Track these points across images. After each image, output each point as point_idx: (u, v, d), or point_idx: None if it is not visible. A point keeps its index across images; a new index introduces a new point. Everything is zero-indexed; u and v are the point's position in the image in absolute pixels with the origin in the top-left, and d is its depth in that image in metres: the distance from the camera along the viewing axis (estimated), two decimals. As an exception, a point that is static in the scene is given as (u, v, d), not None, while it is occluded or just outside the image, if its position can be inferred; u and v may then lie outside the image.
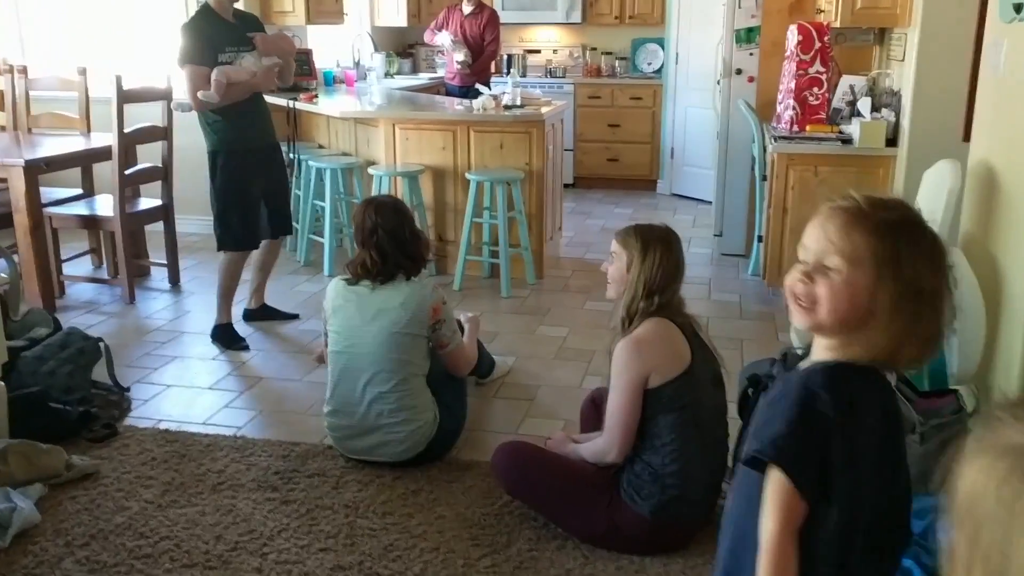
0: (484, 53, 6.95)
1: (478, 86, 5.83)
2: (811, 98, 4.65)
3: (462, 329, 3.27)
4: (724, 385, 2.57)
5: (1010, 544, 0.72)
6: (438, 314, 2.93)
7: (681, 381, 2.40)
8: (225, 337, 4.10)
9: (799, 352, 2.78)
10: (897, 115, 4.28)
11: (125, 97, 4.50)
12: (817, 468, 1.27)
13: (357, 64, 7.04)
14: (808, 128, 4.59)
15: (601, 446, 2.50)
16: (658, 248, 2.46)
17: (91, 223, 4.82)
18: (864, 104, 4.45)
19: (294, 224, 5.57)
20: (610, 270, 2.58)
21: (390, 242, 2.91)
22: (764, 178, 4.90)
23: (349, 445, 2.97)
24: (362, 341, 2.89)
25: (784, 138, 4.56)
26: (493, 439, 3.17)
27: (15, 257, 4.48)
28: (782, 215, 4.53)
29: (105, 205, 4.76)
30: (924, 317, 1.30)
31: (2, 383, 2.97)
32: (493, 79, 7.59)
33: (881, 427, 1.31)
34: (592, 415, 2.86)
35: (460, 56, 6.74)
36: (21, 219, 4.39)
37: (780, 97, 4.92)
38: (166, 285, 5.02)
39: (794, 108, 4.66)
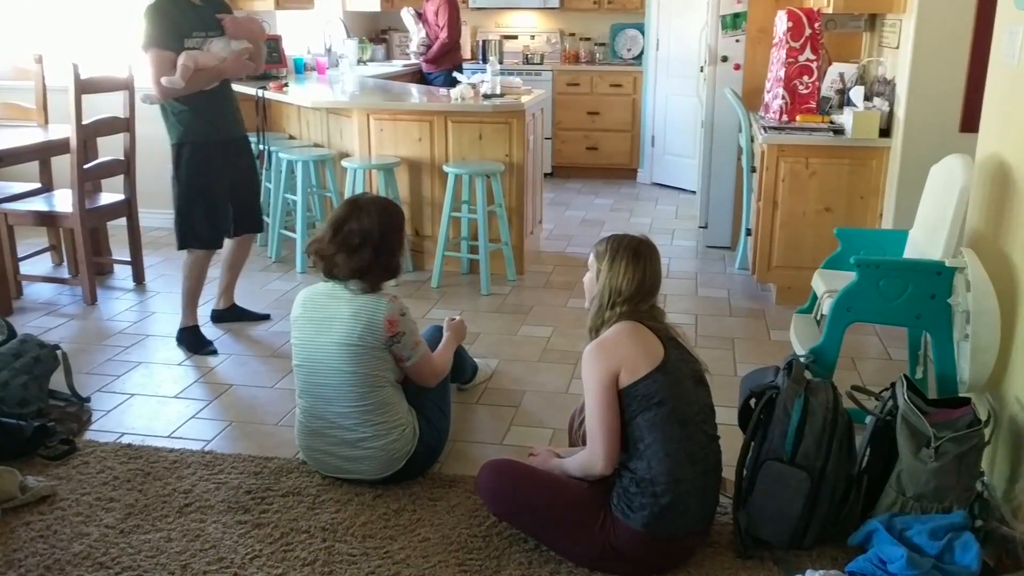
0: (437, 39, 6.83)
1: (455, 74, 5.64)
2: (801, 87, 4.50)
3: (439, 339, 3.10)
4: (707, 386, 2.43)
5: None
6: (394, 327, 2.71)
7: (655, 376, 2.27)
8: (192, 341, 3.89)
9: (803, 360, 2.66)
10: (891, 105, 4.14)
11: (83, 87, 4.26)
12: None
13: (328, 51, 6.81)
14: (798, 118, 4.45)
15: (586, 458, 2.36)
16: (625, 257, 2.36)
17: (49, 220, 4.58)
18: (856, 93, 4.31)
19: (264, 219, 5.37)
20: (585, 280, 2.48)
21: (371, 247, 2.71)
22: (753, 170, 4.75)
23: (323, 461, 2.79)
24: (319, 354, 2.71)
25: (774, 128, 4.41)
26: (478, 451, 3.01)
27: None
28: (772, 208, 4.39)
29: (64, 200, 4.52)
30: None
31: (-51, 399, 2.76)
32: (470, 66, 7.41)
33: None
34: (575, 422, 2.71)
35: (414, 43, 6.72)
36: (-27, 217, 4.15)
37: (769, 86, 4.77)
38: (130, 284, 4.80)
39: (783, 97, 4.51)
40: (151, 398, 3.43)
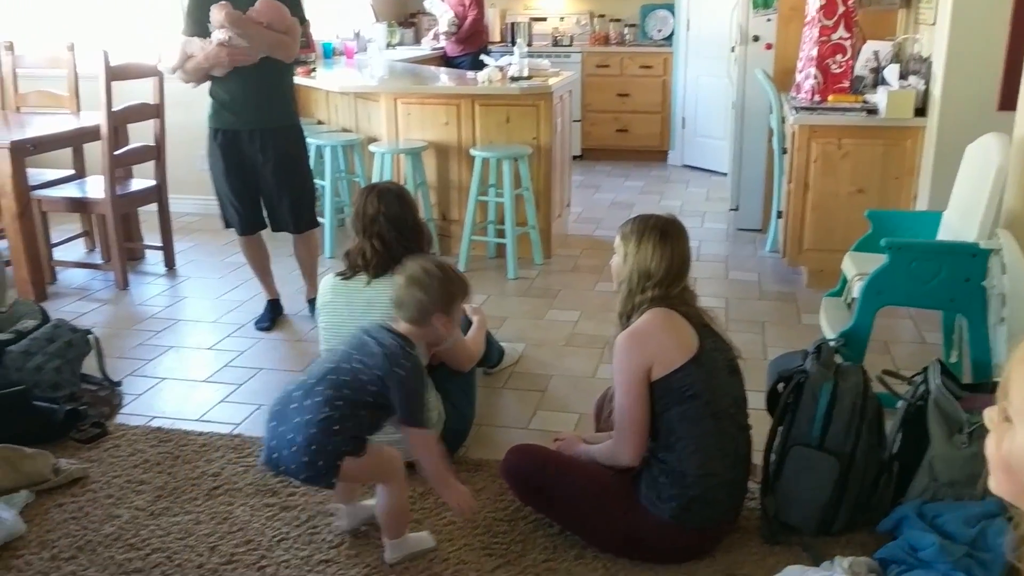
0: (465, 21, 6.82)
1: (483, 57, 5.61)
2: (834, 66, 4.42)
3: (469, 321, 3.09)
4: (741, 374, 2.39)
5: None
6: None
7: (688, 369, 2.22)
8: (263, 313, 4.07)
9: (833, 343, 2.62)
10: (927, 83, 4.05)
11: (113, 74, 4.30)
12: None
13: (357, 35, 6.80)
14: (831, 98, 4.37)
15: (613, 448, 2.33)
16: (652, 238, 2.28)
17: (81, 206, 4.64)
18: (891, 72, 4.22)
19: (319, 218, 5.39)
20: (612, 264, 2.43)
21: (391, 230, 2.73)
22: (784, 151, 4.68)
23: (351, 445, 2.79)
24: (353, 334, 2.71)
25: (805, 109, 4.34)
26: (503, 435, 3.01)
27: (3, 243, 4.32)
28: (803, 190, 4.33)
29: (96, 187, 4.57)
30: None
31: (-17, 383, 2.81)
32: (497, 48, 7.37)
33: None
34: (604, 411, 2.69)
35: (444, 24, 6.67)
36: (8, 203, 4.20)
37: (800, 65, 4.69)
38: (161, 269, 4.84)
39: (815, 77, 4.43)
40: (181, 382, 3.47)
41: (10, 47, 5.09)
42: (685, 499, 2.22)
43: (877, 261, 2.89)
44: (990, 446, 0.92)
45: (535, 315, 4.15)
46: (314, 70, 5.57)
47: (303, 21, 3.88)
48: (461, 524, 2.49)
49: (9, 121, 4.76)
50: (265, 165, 3.80)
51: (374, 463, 2.23)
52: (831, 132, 4.21)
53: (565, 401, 3.27)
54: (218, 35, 3.54)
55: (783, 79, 5.01)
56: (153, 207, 4.80)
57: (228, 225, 3.97)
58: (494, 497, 2.61)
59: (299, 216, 3.94)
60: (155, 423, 3.11)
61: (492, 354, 3.42)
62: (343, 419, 2.13)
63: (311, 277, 4.10)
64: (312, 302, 4.02)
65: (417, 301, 2.26)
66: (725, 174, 6.76)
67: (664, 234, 2.30)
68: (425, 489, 2.66)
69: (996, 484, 0.93)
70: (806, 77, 4.56)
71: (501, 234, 4.80)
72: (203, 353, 3.75)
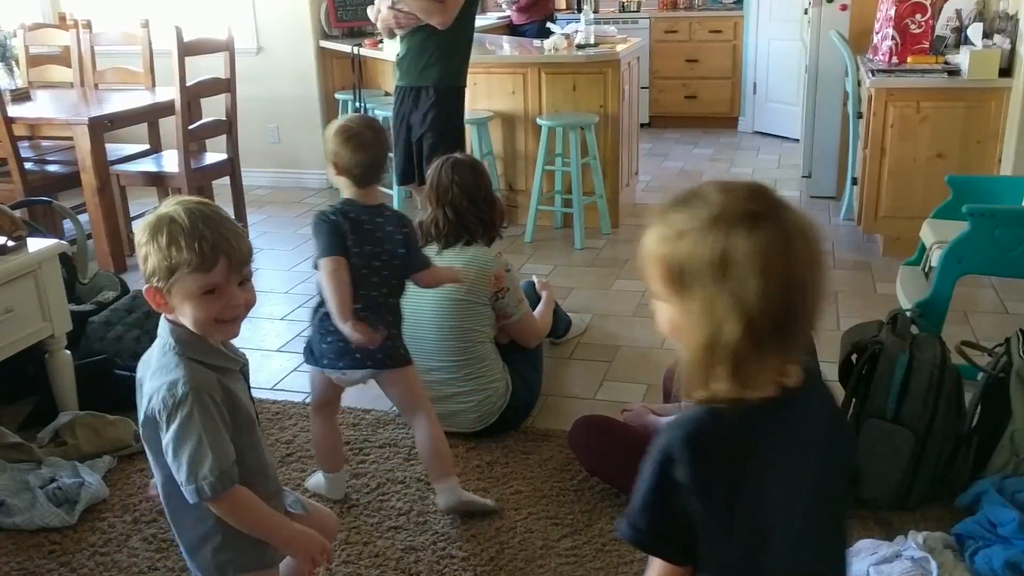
0: None
1: (548, 25, 5.56)
2: (913, 26, 4.26)
3: (537, 296, 3.10)
4: (815, 350, 2.32)
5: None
6: (500, 282, 2.75)
7: None
8: None
9: (909, 314, 2.54)
10: (1013, 42, 3.87)
11: (186, 49, 4.37)
12: (682, 535, 1.08)
13: (423, 5, 6.79)
14: (909, 59, 4.21)
15: None
16: None
17: (157, 180, 4.75)
18: (974, 30, 4.05)
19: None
20: None
21: (464, 201, 2.74)
22: (859, 115, 4.54)
23: (419, 414, 2.83)
24: (422, 308, 2.73)
25: (882, 71, 4.19)
26: (570, 405, 3.00)
27: (84, 216, 4.46)
28: (880, 155, 4.19)
29: (171, 161, 4.68)
30: None
31: (68, 352, 2.91)
32: (563, 16, 7.30)
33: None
34: (674, 384, 2.65)
35: None
36: (88, 178, 4.33)
37: (877, 26, 4.53)
38: (234, 241, 4.94)
39: (893, 38, 4.27)
40: (255, 351, 3.55)
41: (88, 26, 5.22)
42: (755, 471, 2.19)
43: (957, 228, 2.79)
44: None
45: (602, 285, 4.12)
46: (381, 42, 5.58)
47: None
48: (528, 493, 2.50)
49: (88, 98, 4.90)
50: (415, 120, 4.04)
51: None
52: (909, 95, 4.07)
53: (633, 372, 3.25)
54: (387, 1, 3.95)
55: (859, 41, 4.85)
56: (226, 180, 4.90)
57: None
58: (561, 467, 2.62)
59: (424, 171, 4.05)
60: (230, 391, 3.19)
61: (559, 325, 3.41)
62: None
63: None
64: None
65: (384, 157, 2.35)
66: (797, 140, 6.60)
67: None
68: (493, 458, 2.68)
69: None
70: (883, 38, 4.41)
71: (568, 204, 4.78)
72: (276, 324, 3.83)
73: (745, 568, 1.10)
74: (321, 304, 2.30)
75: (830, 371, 2.46)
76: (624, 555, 2.25)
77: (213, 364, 1.49)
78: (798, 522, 1.10)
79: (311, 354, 2.38)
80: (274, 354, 3.52)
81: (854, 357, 2.46)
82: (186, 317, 1.47)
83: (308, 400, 3.09)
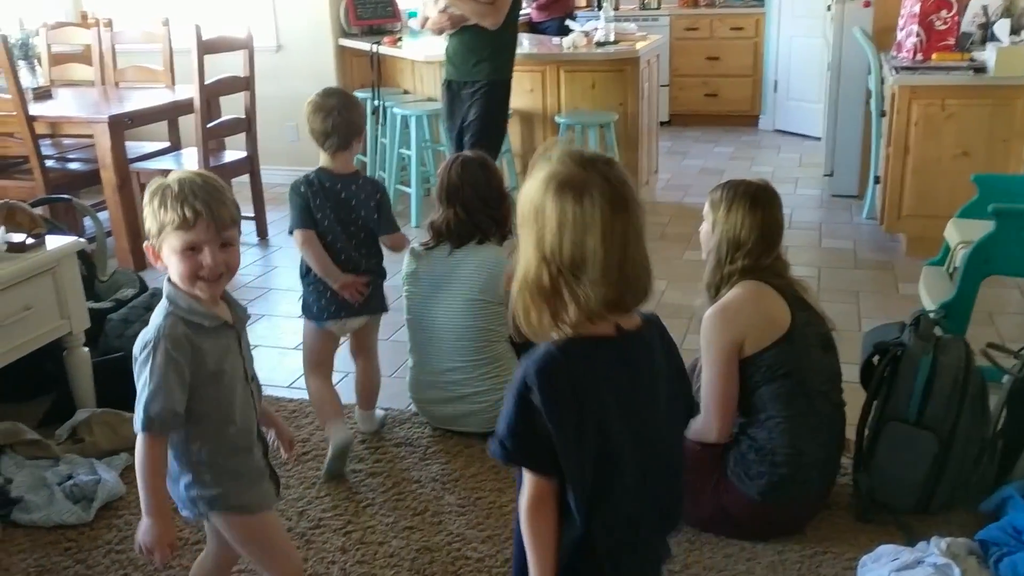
0: None
1: (567, 22, 5.53)
2: (938, 22, 4.20)
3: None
4: (835, 349, 2.30)
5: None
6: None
7: (780, 347, 2.15)
8: None
9: (932, 315, 2.50)
10: (1040, 39, 3.81)
11: (205, 48, 4.39)
12: (544, 450, 1.28)
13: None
14: (934, 56, 4.16)
15: (700, 425, 2.27)
16: (742, 205, 2.19)
17: (177, 178, 4.76)
18: (1001, 27, 4.00)
19: (380, 174, 5.45)
20: (701, 232, 2.35)
21: (475, 200, 2.72)
22: (883, 114, 4.48)
23: (434, 412, 2.83)
24: (436, 308, 2.73)
25: (906, 68, 4.14)
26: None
27: (105, 214, 4.48)
28: (903, 154, 4.14)
29: (190, 159, 4.69)
30: None
31: (86, 349, 2.92)
32: (583, 13, 7.26)
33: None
34: (692, 386, 2.62)
35: None
36: (108, 176, 4.35)
37: (902, 23, 4.48)
38: (254, 239, 4.96)
39: (918, 34, 4.22)
40: (272, 349, 3.55)
41: (109, 24, 5.25)
42: (774, 477, 2.17)
43: (983, 228, 2.74)
44: None
45: (620, 284, 4.09)
46: (400, 39, 5.58)
47: None
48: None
49: (108, 96, 4.92)
50: (464, 112, 4.23)
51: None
52: (934, 92, 4.01)
53: (650, 372, 3.22)
54: (441, 3, 4.18)
55: (883, 38, 4.80)
56: (245, 178, 4.91)
57: None
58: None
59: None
60: (247, 389, 3.19)
61: (576, 324, 3.38)
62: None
63: None
64: None
65: (351, 126, 2.56)
66: (818, 138, 6.54)
67: (755, 201, 2.22)
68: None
69: None
70: (908, 35, 4.36)
71: (586, 202, 4.74)
72: (294, 322, 3.82)
73: (596, 480, 1.30)
74: (309, 269, 2.64)
75: (851, 373, 2.43)
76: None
77: (192, 321, 1.65)
78: (637, 441, 1.32)
79: (311, 312, 2.68)
80: (291, 352, 3.52)
81: (875, 359, 2.42)
82: (173, 272, 1.65)
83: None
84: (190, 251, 1.61)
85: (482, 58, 4.16)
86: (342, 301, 2.63)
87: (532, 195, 1.28)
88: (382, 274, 2.73)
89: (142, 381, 1.61)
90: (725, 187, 2.28)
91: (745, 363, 2.19)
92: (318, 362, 2.75)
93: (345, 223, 2.60)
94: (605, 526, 1.33)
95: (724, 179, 2.36)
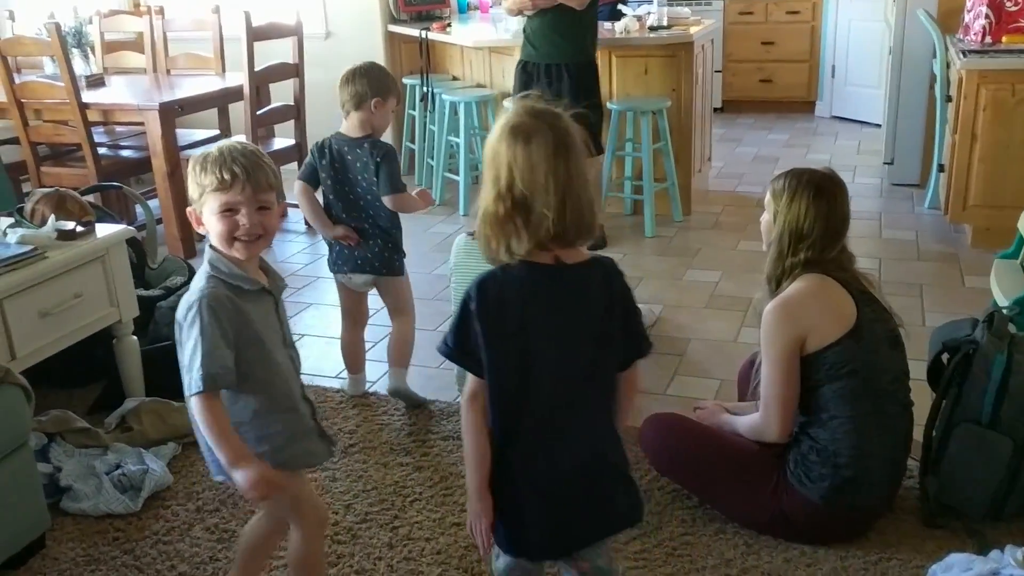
0: None
1: (620, 6, 5.41)
2: (1008, 3, 4.03)
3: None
4: (903, 346, 2.19)
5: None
6: None
7: (846, 343, 2.05)
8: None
9: (1007, 311, 2.38)
10: (1120, 20, 3.62)
11: (255, 34, 4.37)
12: (476, 351, 1.50)
13: (492, -12, 6.71)
14: (1004, 39, 3.99)
15: (759, 423, 2.19)
16: (806, 194, 2.08)
17: (227, 165, 4.76)
18: (1077, 8, 3.80)
19: (429, 162, 5.40)
20: (762, 222, 2.25)
21: None
22: (948, 99, 4.31)
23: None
24: None
25: (974, 52, 3.97)
26: (639, 401, 2.88)
27: (155, 202, 4.50)
28: (970, 141, 3.98)
29: (240, 146, 4.68)
30: None
31: (135, 338, 2.92)
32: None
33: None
34: (751, 382, 2.53)
35: None
36: (158, 163, 4.36)
37: (969, 4, 4.31)
38: (302, 227, 4.95)
39: (987, 16, 4.05)
40: (320, 339, 3.53)
41: (160, 12, 5.27)
42: (837, 480, 2.07)
43: (1060, 220, 2.60)
44: None
45: (673, 275, 4.00)
46: (449, 25, 5.52)
47: None
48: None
49: (160, 84, 4.94)
50: (551, 96, 4.04)
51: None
52: (1004, 77, 3.84)
53: (705, 366, 3.14)
54: None
55: (948, 20, 4.62)
56: (293, 166, 4.89)
57: None
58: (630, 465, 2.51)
59: None
60: (295, 379, 3.16)
61: (628, 316, 3.30)
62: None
63: None
64: None
65: (358, 88, 2.76)
66: (878, 125, 6.35)
67: (820, 190, 2.12)
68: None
69: None
70: (976, 17, 4.18)
71: (638, 190, 4.65)
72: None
73: (516, 384, 1.50)
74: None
75: (917, 370, 2.32)
76: (696, 560, 2.15)
77: (233, 284, 1.68)
78: (561, 354, 1.50)
79: (330, 263, 2.92)
80: (338, 342, 3.47)
81: (945, 357, 2.31)
82: (212, 234, 1.69)
83: (371, 389, 3.07)
84: (228, 212, 1.66)
85: (566, 38, 4.08)
86: (347, 257, 2.85)
87: (491, 140, 1.47)
88: (389, 238, 2.85)
89: (192, 342, 1.63)
90: (788, 175, 2.18)
91: (807, 360, 2.10)
92: (344, 312, 3.02)
93: (340, 183, 2.80)
94: (519, 429, 1.53)
95: (779, 166, 2.27)
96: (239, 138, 4.21)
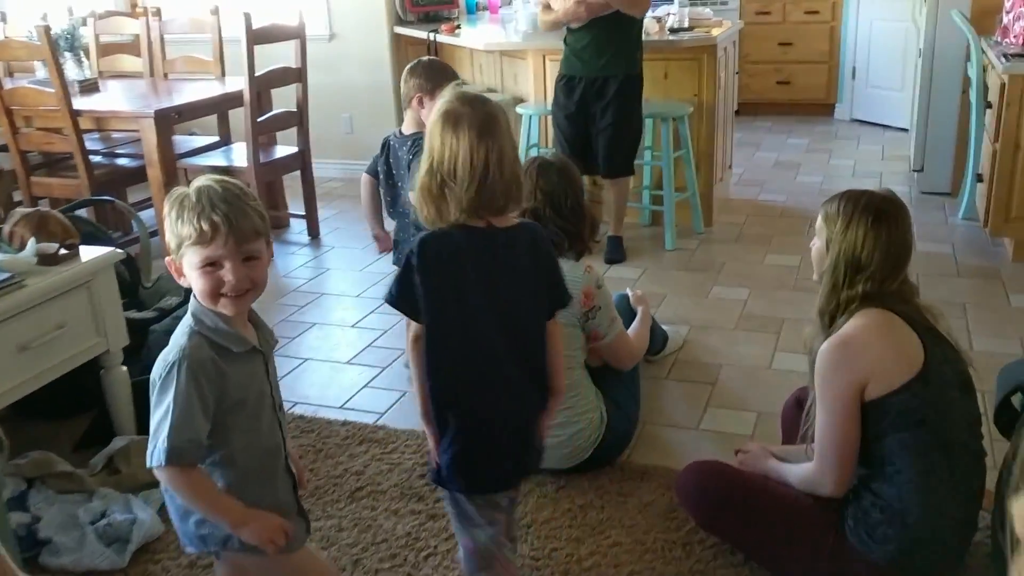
0: None
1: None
2: (1054, 4, 3.79)
3: (631, 311, 2.79)
4: (975, 391, 1.96)
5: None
6: (591, 300, 2.42)
7: (913, 389, 1.82)
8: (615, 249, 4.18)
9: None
10: None
11: (255, 37, 4.15)
12: (416, 300, 1.66)
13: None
14: (1050, 42, 3.75)
15: (813, 474, 1.96)
16: (864, 219, 1.86)
17: (226, 174, 4.49)
18: None
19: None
20: (813, 249, 2.02)
21: (547, 209, 2.44)
22: (988, 105, 4.08)
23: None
24: None
25: (1017, 56, 3.74)
26: (671, 436, 2.69)
27: (151, 212, 4.29)
28: (1013, 150, 3.76)
29: (240, 154, 4.48)
30: None
31: (124, 368, 2.69)
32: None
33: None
34: (796, 421, 2.29)
35: None
36: (154, 173, 4.14)
37: (1008, 5, 4.08)
38: (305, 238, 4.73)
39: (1031, 17, 3.81)
40: (324, 363, 3.31)
41: (157, 13, 5.05)
42: (905, 543, 1.85)
43: None
44: None
45: (698, 292, 3.77)
46: (458, 27, 5.30)
47: None
48: (628, 546, 2.19)
49: (157, 89, 4.72)
50: (597, 110, 4.00)
51: None
52: (1051, 82, 3.61)
53: (740, 397, 2.91)
54: None
55: (982, 21, 4.39)
56: (297, 174, 4.68)
57: None
58: (664, 514, 2.30)
59: (610, 161, 4.09)
60: (297, 409, 2.95)
61: (656, 340, 3.08)
62: None
63: (615, 219, 4.25)
64: (613, 238, 4.21)
65: (404, 90, 2.87)
66: (903, 129, 6.13)
67: (879, 215, 1.89)
68: (586, 501, 2.38)
69: None
70: (1016, 18, 3.95)
71: (657, 200, 4.43)
72: (346, 331, 3.58)
73: (452, 331, 1.67)
74: None
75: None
76: (744, 629, 1.93)
77: (218, 343, 1.53)
78: (492, 304, 1.67)
79: (395, 261, 3.04)
80: (344, 367, 3.27)
81: (1016, 399, 2.08)
82: (195, 289, 1.53)
83: (379, 422, 2.85)
84: (210, 267, 1.50)
85: (617, 51, 3.94)
86: (397, 257, 2.96)
87: (429, 124, 1.65)
88: None
89: (164, 408, 1.47)
90: (843, 198, 1.95)
91: (868, 407, 1.87)
92: None
93: (389, 178, 2.94)
94: (454, 372, 1.69)
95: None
96: (243, 153, 3.99)
